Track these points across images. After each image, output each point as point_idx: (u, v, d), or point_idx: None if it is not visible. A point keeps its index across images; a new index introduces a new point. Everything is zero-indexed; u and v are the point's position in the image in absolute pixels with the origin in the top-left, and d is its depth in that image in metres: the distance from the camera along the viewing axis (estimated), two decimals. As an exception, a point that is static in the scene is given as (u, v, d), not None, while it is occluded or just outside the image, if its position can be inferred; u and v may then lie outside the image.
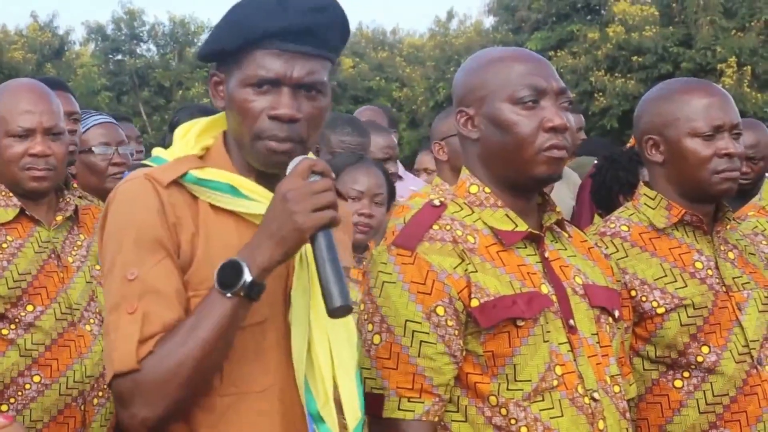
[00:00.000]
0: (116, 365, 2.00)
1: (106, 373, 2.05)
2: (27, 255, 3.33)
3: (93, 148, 4.15)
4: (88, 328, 3.37)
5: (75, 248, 3.45)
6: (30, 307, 3.29)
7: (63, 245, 3.43)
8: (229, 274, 1.99)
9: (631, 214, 2.98)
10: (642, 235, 2.92)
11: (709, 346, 2.82)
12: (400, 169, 5.76)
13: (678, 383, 2.83)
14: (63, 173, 3.48)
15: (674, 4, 27.83)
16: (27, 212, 3.39)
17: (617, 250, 2.88)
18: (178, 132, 2.25)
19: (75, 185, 3.67)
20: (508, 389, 2.29)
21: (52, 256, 3.39)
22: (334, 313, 1.99)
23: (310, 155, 2.18)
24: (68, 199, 3.50)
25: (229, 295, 1.98)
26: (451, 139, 4.47)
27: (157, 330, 2.01)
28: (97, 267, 3.41)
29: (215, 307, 1.99)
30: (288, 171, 2.07)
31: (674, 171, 2.94)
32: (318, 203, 1.98)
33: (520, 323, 2.29)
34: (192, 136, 2.22)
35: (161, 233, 2.06)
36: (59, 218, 3.44)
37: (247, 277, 1.97)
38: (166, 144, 2.61)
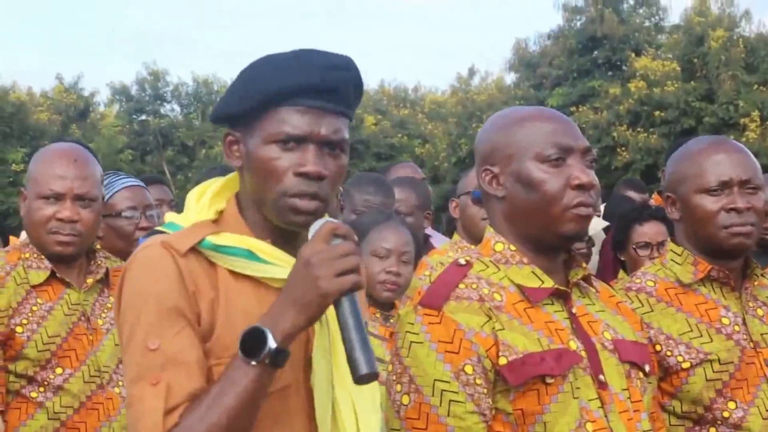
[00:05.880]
0: None
1: None
2: (57, 317, 3.35)
3: (121, 212, 4.09)
4: (117, 390, 3.38)
5: (105, 311, 3.46)
6: (59, 370, 3.30)
7: (93, 308, 3.44)
8: (252, 341, 1.94)
9: (658, 270, 2.99)
10: (668, 290, 2.92)
11: (736, 402, 2.81)
12: (428, 229, 5.73)
13: None
14: (91, 240, 3.49)
15: (696, 60, 27.96)
16: (58, 275, 3.41)
17: (642, 305, 2.89)
18: (192, 196, 2.22)
19: (98, 246, 3.66)
20: (538, 447, 2.27)
21: (82, 318, 3.40)
22: (361, 380, 1.96)
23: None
24: (99, 262, 3.53)
25: (253, 363, 1.95)
26: (463, 197, 4.49)
27: (181, 401, 1.98)
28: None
29: (239, 376, 1.95)
30: (310, 234, 2.04)
31: (689, 227, 2.97)
32: (342, 267, 1.95)
33: (549, 380, 2.27)
34: (206, 200, 2.19)
35: (181, 302, 2.03)
36: (90, 281, 3.47)
37: (272, 344, 1.94)
38: None
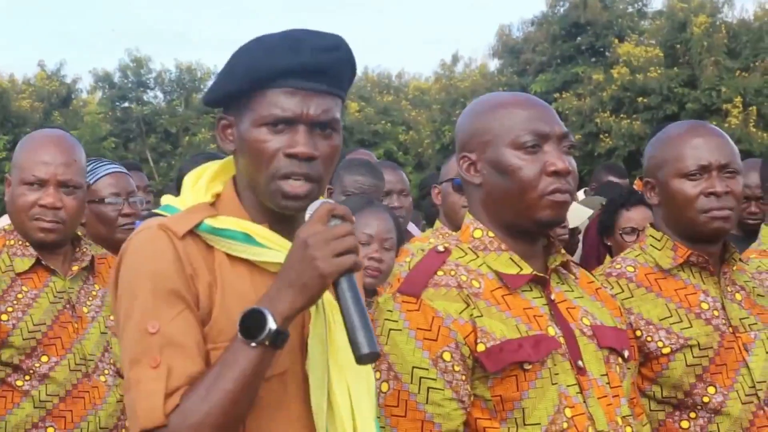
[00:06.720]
0: (143, 421, 1.95)
1: (130, 428, 1.99)
2: (42, 305, 3.35)
3: (104, 199, 4.08)
4: (102, 379, 3.37)
5: (90, 298, 3.46)
6: (44, 358, 3.30)
7: (78, 295, 3.44)
8: (251, 323, 1.93)
9: (637, 255, 3.00)
10: (648, 275, 2.94)
11: (716, 387, 2.83)
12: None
13: (684, 424, 2.84)
14: (74, 227, 3.49)
15: (678, 46, 27.97)
16: (43, 262, 3.40)
17: (622, 291, 2.90)
18: (189, 179, 2.20)
19: (79, 234, 3.65)
20: (517, 433, 2.28)
21: (67, 306, 3.40)
22: (362, 359, 1.94)
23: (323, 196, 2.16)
24: (84, 249, 3.52)
25: (253, 344, 1.93)
26: (445, 184, 4.50)
27: (181, 383, 1.97)
28: (112, 318, 3.40)
29: (239, 358, 1.94)
30: (307, 215, 2.04)
31: (668, 212, 2.98)
32: (339, 248, 1.94)
33: (527, 366, 2.29)
34: (203, 183, 2.18)
35: (179, 285, 2.02)
36: (75, 268, 3.47)
37: (272, 325, 1.92)
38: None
